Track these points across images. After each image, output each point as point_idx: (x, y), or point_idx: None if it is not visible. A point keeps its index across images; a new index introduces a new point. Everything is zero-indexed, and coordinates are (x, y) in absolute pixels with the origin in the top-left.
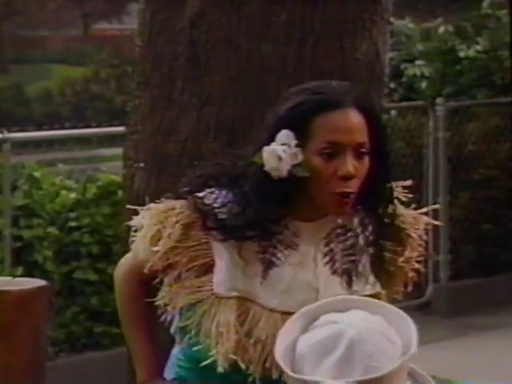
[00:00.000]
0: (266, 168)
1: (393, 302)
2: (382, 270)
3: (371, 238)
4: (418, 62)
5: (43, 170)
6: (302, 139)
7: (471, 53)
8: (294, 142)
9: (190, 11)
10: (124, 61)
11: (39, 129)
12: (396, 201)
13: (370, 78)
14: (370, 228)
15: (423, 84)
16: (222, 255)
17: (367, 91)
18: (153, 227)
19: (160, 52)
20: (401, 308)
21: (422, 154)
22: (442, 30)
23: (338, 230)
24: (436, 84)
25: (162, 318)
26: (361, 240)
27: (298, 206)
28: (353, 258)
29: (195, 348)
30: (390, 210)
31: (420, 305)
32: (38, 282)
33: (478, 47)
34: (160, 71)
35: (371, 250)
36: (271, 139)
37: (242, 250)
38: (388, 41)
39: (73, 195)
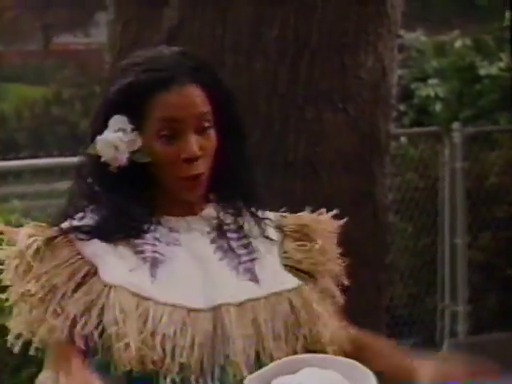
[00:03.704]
0: (103, 159)
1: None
2: (298, 272)
3: (264, 237)
4: (431, 81)
5: None
6: (138, 122)
7: (493, 70)
8: (129, 127)
9: (168, 22)
10: (91, 79)
11: None
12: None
13: (375, 100)
14: (259, 229)
15: (437, 106)
16: (101, 257)
17: (372, 113)
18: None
19: None
20: None
21: (437, 188)
22: (458, 43)
23: (223, 227)
24: (452, 106)
25: None
26: (257, 240)
27: (160, 199)
28: (250, 257)
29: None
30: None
31: None
32: None
33: (501, 64)
34: None
35: (272, 252)
36: (104, 126)
37: (120, 252)
38: (396, 57)
39: None
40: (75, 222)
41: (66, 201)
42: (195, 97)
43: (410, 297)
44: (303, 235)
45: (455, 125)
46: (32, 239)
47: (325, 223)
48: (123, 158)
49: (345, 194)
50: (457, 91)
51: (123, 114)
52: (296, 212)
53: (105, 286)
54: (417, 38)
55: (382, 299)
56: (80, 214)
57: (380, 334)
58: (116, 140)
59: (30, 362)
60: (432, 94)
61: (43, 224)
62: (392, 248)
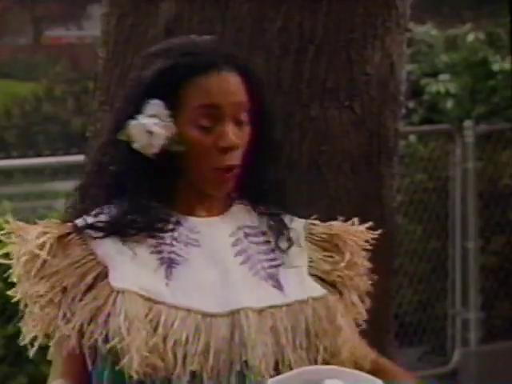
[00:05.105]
0: (136, 145)
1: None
2: (324, 283)
3: (290, 245)
4: (442, 77)
5: None
6: (174, 109)
7: (507, 65)
8: (165, 113)
9: (165, 16)
10: (84, 75)
11: None
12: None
13: (382, 97)
14: (286, 234)
15: (448, 103)
16: (113, 258)
17: (379, 111)
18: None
19: (128, 65)
20: (423, 377)
21: (448, 189)
22: (471, 37)
23: (246, 230)
24: (464, 103)
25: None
26: (284, 245)
27: (184, 197)
28: (275, 262)
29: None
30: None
31: (445, 373)
32: None
33: None
34: None
35: (299, 259)
36: (137, 111)
37: (135, 253)
38: (405, 52)
39: None
40: (90, 219)
41: (80, 196)
42: (234, 84)
43: (420, 303)
44: (332, 246)
45: (467, 123)
46: (44, 236)
47: (356, 234)
48: (157, 145)
49: (351, 197)
50: (469, 87)
51: (159, 99)
52: (301, 215)
53: (112, 291)
54: (427, 31)
55: (389, 305)
56: (96, 211)
57: (388, 341)
58: (152, 125)
59: (19, 372)
60: (443, 90)
61: (56, 221)
62: (400, 252)
